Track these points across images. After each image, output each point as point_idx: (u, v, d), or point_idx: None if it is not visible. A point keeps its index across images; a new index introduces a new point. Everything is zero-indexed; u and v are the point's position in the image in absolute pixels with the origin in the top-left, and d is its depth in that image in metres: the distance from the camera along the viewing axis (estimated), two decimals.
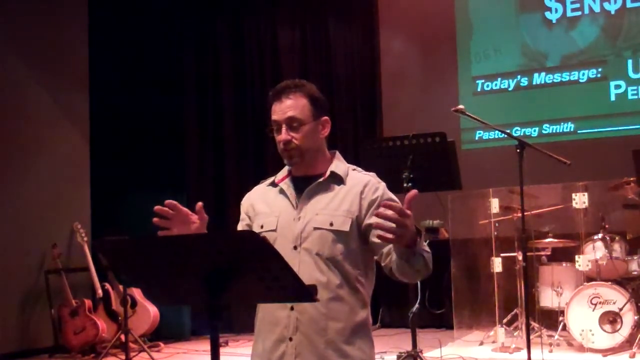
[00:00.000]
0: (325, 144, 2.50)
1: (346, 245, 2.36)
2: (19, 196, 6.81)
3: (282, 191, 2.48)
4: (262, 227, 2.45)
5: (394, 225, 2.10)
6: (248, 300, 2.26)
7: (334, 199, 2.41)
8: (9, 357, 6.52)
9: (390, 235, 2.12)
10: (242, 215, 2.57)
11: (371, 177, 2.47)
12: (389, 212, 2.10)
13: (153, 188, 7.72)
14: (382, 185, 2.45)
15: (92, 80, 7.62)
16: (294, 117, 2.40)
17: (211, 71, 8.51)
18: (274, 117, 2.43)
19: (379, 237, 2.14)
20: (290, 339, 2.34)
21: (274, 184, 2.52)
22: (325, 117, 2.47)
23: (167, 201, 2.37)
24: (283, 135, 2.40)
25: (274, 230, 2.41)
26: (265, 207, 2.49)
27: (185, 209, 2.38)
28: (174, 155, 8.08)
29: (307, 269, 2.32)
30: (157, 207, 2.35)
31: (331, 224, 2.36)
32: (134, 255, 2.02)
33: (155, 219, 2.35)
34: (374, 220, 2.30)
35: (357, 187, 2.41)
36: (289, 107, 2.41)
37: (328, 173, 2.44)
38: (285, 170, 2.53)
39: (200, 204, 2.38)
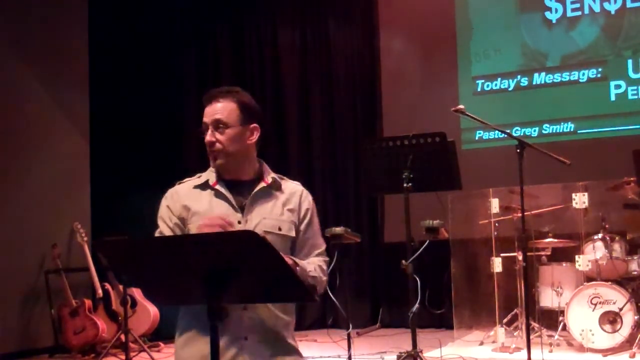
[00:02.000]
0: (254, 150, 2.59)
1: (285, 250, 2.48)
2: (19, 196, 6.81)
3: (218, 194, 2.54)
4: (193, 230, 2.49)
5: None
6: (248, 300, 2.27)
7: (276, 205, 2.53)
8: (9, 357, 6.52)
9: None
10: (168, 214, 2.55)
11: (301, 186, 2.64)
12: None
13: (153, 188, 7.71)
14: (310, 195, 2.64)
15: (92, 80, 7.62)
16: (220, 119, 2.53)
17: (211, 71, 8.51)
18: (204, 119, 2.57)
19: None
20: (246, 338, 2.40)
21: (203, 187, 2.57)
22: (254, 124, 2.56)
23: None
24: (208, 136, 2.54)
25: None
26: (202, 209, 2.51)
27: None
28: (174, 155, 8.08)
29: None
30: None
31: (279, 229, 2.49)
32: (134, 255, 2.03)
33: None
34: (309, 234, 2.57)
35: (295, 196, 2.57)
36: (216, 110, 2.55)
37: (270, 180, 2.55)
38: (213, 175, 2.59)
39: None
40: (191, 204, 2.55)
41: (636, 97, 6.97)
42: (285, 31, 8.39)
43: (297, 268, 2.37)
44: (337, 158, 8.14)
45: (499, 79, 7.48)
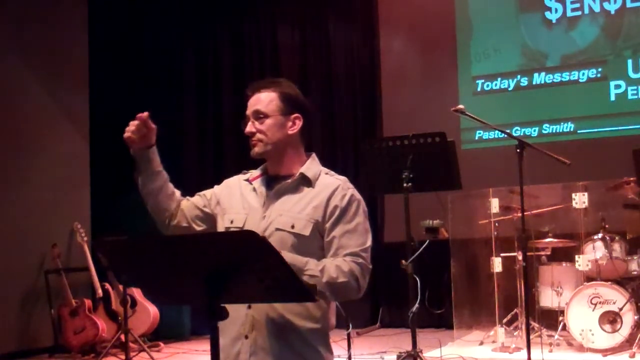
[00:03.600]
0: (299, 142, 2.51)
1: (305, 249, 2.34)
2: (19, 196, 6.81)
3: (254, 189, 2.51)
4: (231, 222, 2.48)
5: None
6: (248, 300, 2.27)
7: (300, 201, 2.42)
8: (9, 357, 6.51)
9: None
10: (209, 194, 2.60)
11: (341, 182, 2.46)
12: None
13: None
14: (351, 191, 2.44)
15: (92, 80, 7.62)
16: (259, 110, 2.47)
17: (211, 71, 8.51)
18: (247, 111, 2.51)
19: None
20: (246, 337, 2.35)
21: (248, 181, 2.55)
22: (297, 114, 2.49)
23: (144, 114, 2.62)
24: (247, 127, 2.48)
25: (241, 228, 2.43)
26: (238, 201, 2.52)
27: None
28: (174, 155, 8.08)
29: None
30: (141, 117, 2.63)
31: (292, 227, 2.37)
32: (134, 255, 2.03)
33: (126, 135, 2.63)
34: (337, 232, 2.36)
35: (326, 192, 2.41)
36: (257, 101, 2.48)
37: (297, 174, 2.46)
38: (260, 169, 2.57)
39: (145, 114, 2.66)
40: (233, 195, 2.54)
41: (636, 97, 6.97)
42: (285, 31, 8.39)
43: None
44: (337, 158, 8.14)
45: (499, 79, 7.48)
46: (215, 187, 2.63)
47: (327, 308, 2.43)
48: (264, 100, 2.47)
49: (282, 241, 2.34)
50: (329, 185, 2.43)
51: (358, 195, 2.45)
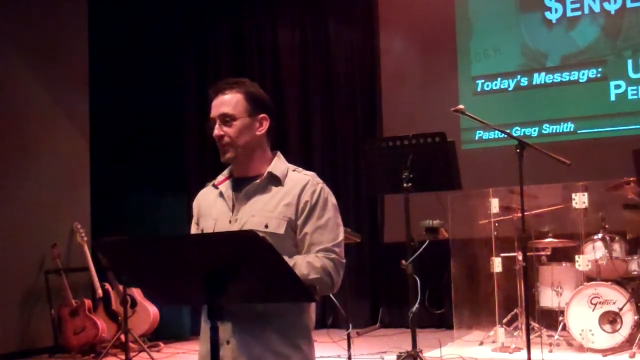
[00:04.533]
0: (265, 142, 2.48)
1: (280, 248, 2.23)
2: (19, 196, 6.81)
3: (220, 193, 2.48)
4: (202, 230, 2.47)
5: None
6: (248, 300, 2.26)
7: (271, 200, 2.39)
8: (9, 357, 6.51)
9: None
10: (195, 217, 2.57)
11: (310, 177, 2.44)
12: None
13: (153, 188, 7.73)
14: (320, 185, 2.43)
15: (92, 80, 7.62)
16: (226, 113, 2.41)
17: (211, 71, 8.51)
18: (211, 114, 2.45)
19: None
20: (228, 342, 2.32)
21: (215, 186, 2.52)
22: (263, 115, 2.45)
23: None
24: (215, 130, 2.42)
25: None
26: (207, 209, 2.50)
27: None
28: (174, 155, 8.08)
29: None
30: None
31: (266, 226, 2.34)
32: (134, 255, 2.03)
33: None
34: (308, 229, 2.34)
35: (296, 188, 2.39)
36: (222, 103, 2.43)
37: (265, 174, 2.43)
38: (225, 172, 2.54)
39: None
40: (202, 205, 2.53)
41: (636, 97, 6.97)
42: (285, 31, 8.39)
43: None
44: (337, 158, 8.14)
45: (499, 79, 7.48)
46: (193, 208, 2.59)
47: (307, 307, 2.41)
48: (230, 101, 2.42)
49: None
50: (299, 182, 2.41)
51: (327, 190, 2.45)
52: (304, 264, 2.27)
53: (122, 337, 6.21)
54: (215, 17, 8.52)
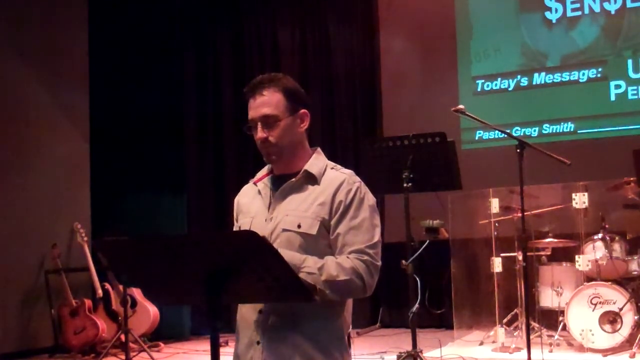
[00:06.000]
0: (305, 137, 2.41)
1: (313, 248, 2.26)
2: (19, 196, 6.81)
3: (259, 191, 2.43)
4: (240, 228, 2.42)
5: None
6: (248, 300, 2.26)
7: (306, 199, 2.33)
8: (9, 357, 6.51)
9: None
10: (235, 214, 2.53)
11: (347, 176, 2.38)
12: None
13: (153, 188, 7.73)
14: (357, 185, 2.36)
15: (92, 79, 7.62)
16: (268, 114, 2.32)
17: (211, 71, 8.51)
18: (250, 115, 2.35)
19: None
20: (258, 343, 2.28)
21: (254, 183, 2.48)
22: (304, 110, 2.39)
23: None
24: (259, 133, 2.32)
25: None
26: (245, 207, 2.46)
27: None
28: (174, 155, 8.08)
29: None
30: None
31: (299, 226, 2.28)
32: (134, 255, 2.02)
33: None
34: (341, 229, 2.27)
35: (331, 188, 2.33)
36: (263, 103, 2.33)
37: (302, 172, 2.36)
38: (265, 169, 2.48)
39: None
40: (242, 202, 2.48)
41: (636, 97, 6.97)
42: (285, 31, 8.38)
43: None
44: (337, 158, 8.12)
45: (499, 79, 7.48)
46: (234, 204, 2.54)
47: (340, 307, 2.34)
48: (270, 101, 2.33)
49: (289, 242, 2.26)
50: (334, 180, 2.34)
51: (365, 189, 2.37)
52: (333, 265, 2.21)
53: (122, 337, 6.21)
54: (215, 17, 8.51)
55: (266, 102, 2.33)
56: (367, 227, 2.33)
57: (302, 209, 2.31)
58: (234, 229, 2.47)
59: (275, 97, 2.34)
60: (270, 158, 2.36)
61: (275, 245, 2.20)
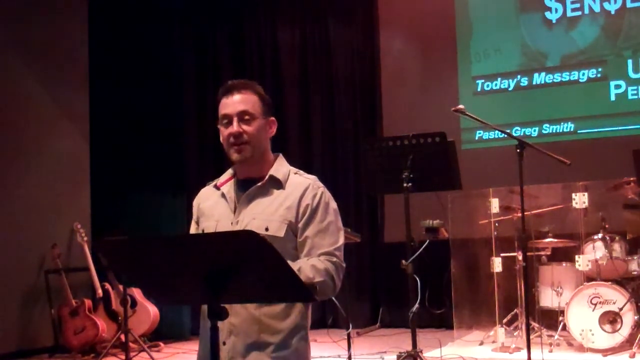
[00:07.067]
0: (269, 145, 2.50)
1: (281, 251, 2.22)
2: (19, 196, 6.81)
3: (222, 195, 2.48)
4: (202, 231, 2.47)
5: None
6: (248, 300, 2.27)
7: (272, 203, 2.40)
8: (9, 357, 6.52)
9: None
10: (194, 216, 2.56)
11: (311, 181, 2.44)
12: None
13: (153, 188, 7.73)
14: (321, 189, 2.43)
15: (92, 79, 7.62)
16: (246, 110, 2.39)
17: (211, 71, 8.50)
18: (225, 111, 2.41)
19: None
20: (224, 343, 2.34)
21: (216, 187, 2.52)
22: (272, 118, 2.48)
23: None
24: (235, 127, 2.39)
25: None
26: (208, 209, 2.50)
27: None
28: (174, 155, 8.08)
29: None
30: None
31: (266, 229, 2.34)
32: (134, 255, 2.02)
33: None
34: (309, 232, 2.34)
35: (297, 192, 2.39)
36: (240, 101, 2.40)
37: (267, 177, 2.43)
38: (228, 173, 2.54)
39: None
40: (203, 205, 2.53)
41: (636, 97, 6.97)
42: (285, 31, 8.38)
43: None
44: (337, 158, 8.14)
45: (499, 79, 7.48)
46: (193, 207, 2.59)
47: (304, 307, 2.41)
48: (248, 100, 2.41)
49: None
50: (300, 185, 2.41)
51: (328, 194, 2.45)
52: (309, 268, 2.27)
53: (122, 337, 6.22)
54: (215, 17, 8.51)
55: (244, 100, 2.41)
56: (332, 230, 2.40)
57: (268, 212, 2.37)
58: (193, 231, 2.52)
59: (252, 97, 2.42)
60: (240, 154, 2.41)
61: None
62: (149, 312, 6.83)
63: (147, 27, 8.06)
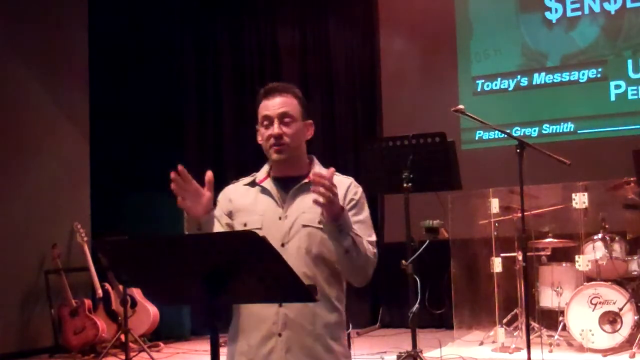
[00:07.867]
0: (305, 147, 2.57)
1: (329, 244, 2.40)
2: (19, 196, 6.81)
3: (264, 190, 2.52)
4: (245, 225, 2.49)
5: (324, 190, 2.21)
6: (248, 300, 2.27)
7: None
8: (9, 357, 6.52)
9: (322, 199, 2.22)
10: (219, 213, 2.56)
11: (352, 180, 2.56)
12: (321, 177, 2.22)
13: (153, 188, 7.71)
14: (360, 189, 2.56)
15: (92, 80, 7.62)
16: (287, 112, 2.46)
17: (211, 71, 8.51)
18: (266, 112, 2.47)
19: (314, 201, 2.24)
20: (280, 335, 2.38)
21: (253, 184, 2.56)
22: (310, 121, 2.55)
23: (179, 167, 2.41)
24: (276, 129, 2.45)
25: (259, 229, 2.43)
26: (246, 205, 2.53)
27: (194, 184, 2.41)
28: (174, 155, 8.07)
29: (294, 266, 2.32)
30: (173, 174, 2.41)
31: (319, 222, 2.40)
32: (134, 255, 2.03)
33: (172, 186, 2.42)
34: (355, 221, 2.43)
35: (341, 188, 2.45)
36: (282, 103, 2.47)
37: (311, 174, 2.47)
38: (264, 172, 2.58)
39: (210, 173, 2.37)
40: (237, 201, 2.55)
41: (636, 97, 6.97)
42: (285, 31, 8.39)
43: (354, 235, 2.36)
44: (337, 158, 8.14)
45: (499, 79, 7.48)
46: (218, 203, 2.59)
47: (342, 304, 2.52)
48: (289, 103, 2.48)
49: (310, 237, 2.42)
50: (342, 183, 2.49)
51: (364, 194, 2.58)
52: (367, 243, 2.44)
53: (122, 337, 6.21)
54: (216, 17, 8.52)
55: (285, 103, 2.48)
56: (369, 224, 2.55)
57: (316, 208, 2.39)
58: (219, 228, 2.51)
59: (292, 100, 2.50)
60: (280, 155, 2.47)
61: (295, 240, 2.42)
62: (149, 312, 6.83)
63: (147, 27, 8.06)
